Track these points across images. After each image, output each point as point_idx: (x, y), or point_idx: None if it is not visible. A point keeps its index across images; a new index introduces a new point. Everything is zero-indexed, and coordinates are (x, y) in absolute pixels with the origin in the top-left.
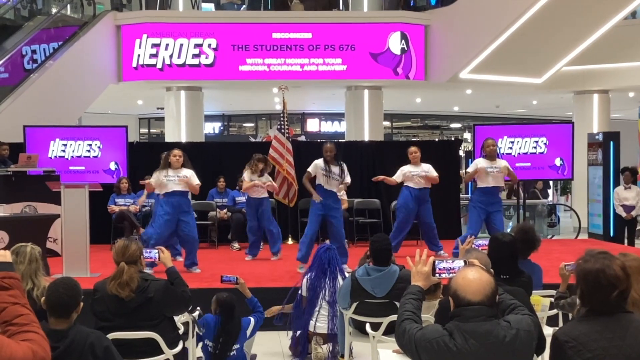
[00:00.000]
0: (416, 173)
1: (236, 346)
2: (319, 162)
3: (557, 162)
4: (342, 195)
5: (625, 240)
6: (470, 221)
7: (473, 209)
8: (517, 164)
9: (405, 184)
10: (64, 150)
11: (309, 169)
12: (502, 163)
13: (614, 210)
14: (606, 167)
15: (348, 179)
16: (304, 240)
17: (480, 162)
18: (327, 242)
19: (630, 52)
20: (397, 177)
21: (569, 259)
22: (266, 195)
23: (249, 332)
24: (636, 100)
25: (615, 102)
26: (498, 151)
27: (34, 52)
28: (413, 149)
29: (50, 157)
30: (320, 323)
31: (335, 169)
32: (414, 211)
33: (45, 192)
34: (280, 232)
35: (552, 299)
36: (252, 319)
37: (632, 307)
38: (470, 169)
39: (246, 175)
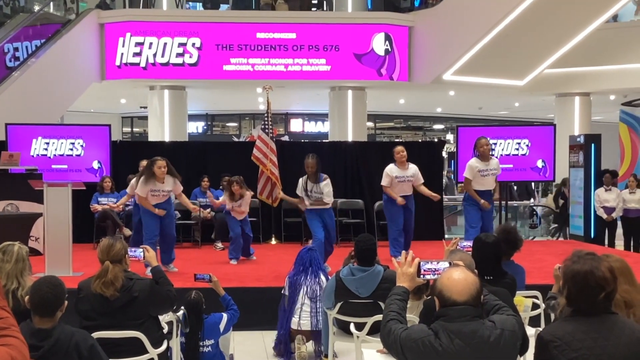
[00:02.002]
0: (401, 178)
1: (210, 342)
2: (300, 181)
3: (539, 163)
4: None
5: (606, 242)
6: (469, 219)
7: (468, 207)
8: (499, 165)
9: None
10: (46, 149)
11: (297, 191)
12: (495, 163)
13: (595, 212)
14: (587, 169)
15: (326, 199)
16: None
17: (474, 165)
18: (310, 242)
19: (611, 55)
20: (387, 182)
21: (550, 260)
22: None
23: (221, 327)
24: (617, 103)
25: (596, 104)
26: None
27: (16, 49)
28: (400, 148)
29: (33, 156)
30: (303, 320)
31: (314, 187)
32: (402, 213)
33: (28, 191)
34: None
35: (535, 299)
36: (224, 315)
37: (615, 307)
38: (467, 175)
39: (223, 198)
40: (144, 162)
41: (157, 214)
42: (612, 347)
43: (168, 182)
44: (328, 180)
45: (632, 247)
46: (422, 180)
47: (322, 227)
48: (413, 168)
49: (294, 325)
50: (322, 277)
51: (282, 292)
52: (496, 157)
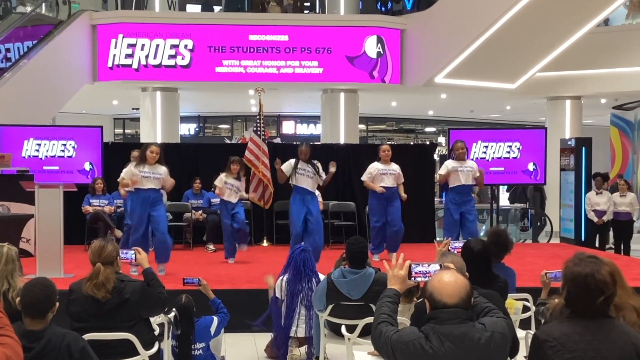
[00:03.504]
0: (385, 170)
1: (201, 345)
2: (292, 160)
3: (530, 167)
4: (318, 196)
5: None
6: (446, 224)
7: (446, 211)
8: (490, 169)
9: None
10: (37, 150)
11: (283, 167)
12: (471, 163)
13: (586, 215)
14: (578, 172)
15: (324, 176)
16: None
17: (449, 163)
18: (302, 243)
19: (602, 59)
20: (366, 177)
21: (541, 263)
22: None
23: (212, 330)
24: (608, 107)
25: (587, 108)
26: (468, 153)
27: (7, 50)
28: (385, 147)
29: (24, 157)
30: (299, 327)
31: (306, 167)
32: (384, 207)
33: (19, 192)
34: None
35: (526, 301)
36: (214, 318)
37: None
38: (441, 171)
39: (221, 177)
40: (135, 153)
41: (139, 213)
42: (607, 350)
43: (161, 169)
44: (319, 165)
45: (622, 250)
46: (403, 180)
47: (303, 221)
48: (396, 165)
49: (291, 333)
50: (314, 282)
51: (274, 294)
52: (472, 160)
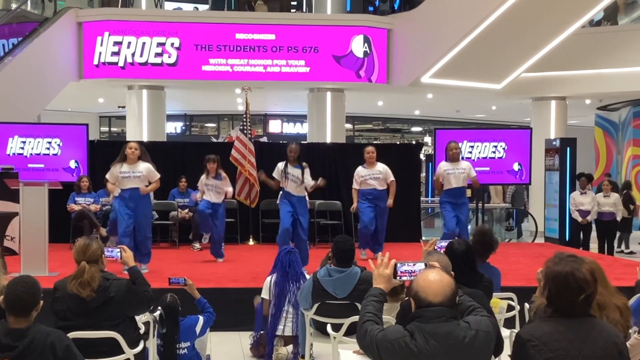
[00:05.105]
0: (369, 176)
1: (186, 344)
2: (280, 164)
3: (516, 166)
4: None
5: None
6: (446, 220)
7: (443, 209)
8: (476, 168)
9: (360, 188)
10: (22, 148)
11: (273, 174)
12: (464, 165)
13: (570, 215)
14: (563, 172)
15: (308, 183)
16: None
17: (443, 166)
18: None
19: (587, 60)
20: (356, 185)
21: (526, 262)
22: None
23: (198, 329)
24: (592, 107)
25: (572, 108)
26: (461, 153)
27: None
28: (370, 148)
29: (9, 154)
30: (286, 327)
31: (294, 171)
32: (372, 207)
33: (3, 190)
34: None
35: (510, 300)
36: (200, 317)
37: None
38: (436, 175)
39: (202, 179)
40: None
41: (128, 210)
42: (589, 349)
43: (141, 166)
44: (308, 169)
45: (605, 250)
46: (392, 178)
47: (290, 214)
48: (381, 166)
49: (278, 332)
50: (302, 283)
51: (262, 296)
52: (466, 160)
